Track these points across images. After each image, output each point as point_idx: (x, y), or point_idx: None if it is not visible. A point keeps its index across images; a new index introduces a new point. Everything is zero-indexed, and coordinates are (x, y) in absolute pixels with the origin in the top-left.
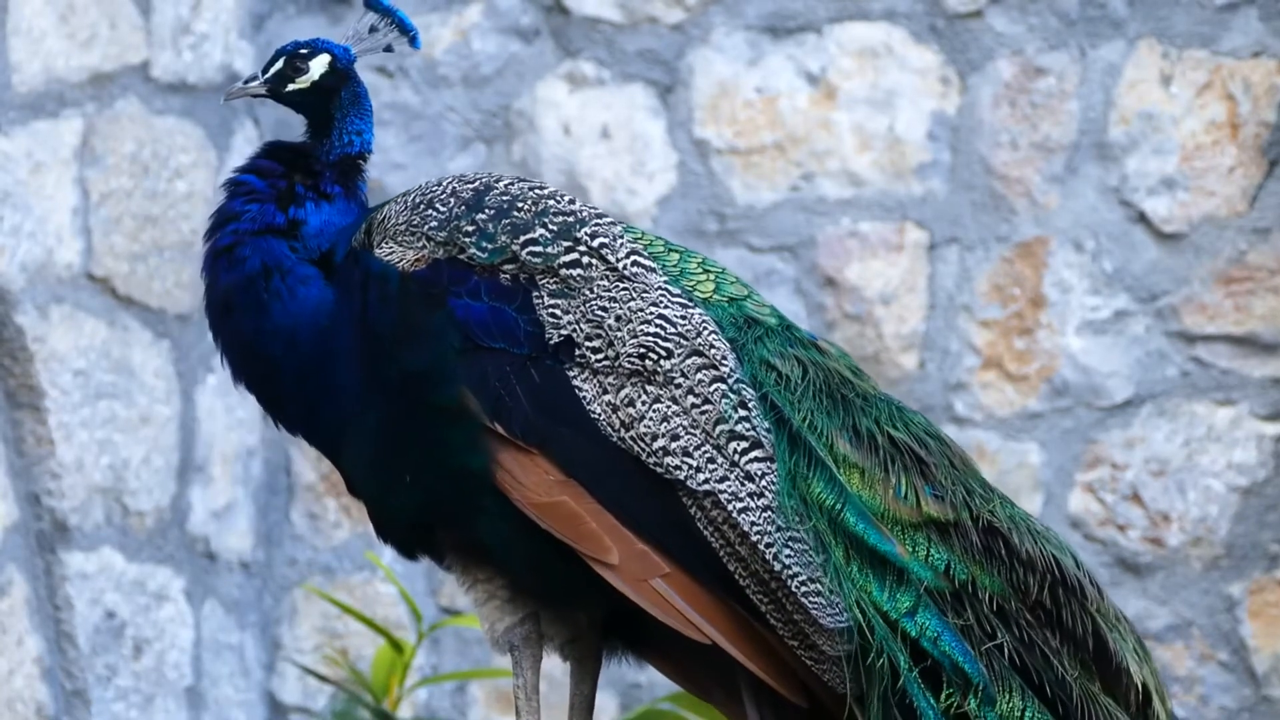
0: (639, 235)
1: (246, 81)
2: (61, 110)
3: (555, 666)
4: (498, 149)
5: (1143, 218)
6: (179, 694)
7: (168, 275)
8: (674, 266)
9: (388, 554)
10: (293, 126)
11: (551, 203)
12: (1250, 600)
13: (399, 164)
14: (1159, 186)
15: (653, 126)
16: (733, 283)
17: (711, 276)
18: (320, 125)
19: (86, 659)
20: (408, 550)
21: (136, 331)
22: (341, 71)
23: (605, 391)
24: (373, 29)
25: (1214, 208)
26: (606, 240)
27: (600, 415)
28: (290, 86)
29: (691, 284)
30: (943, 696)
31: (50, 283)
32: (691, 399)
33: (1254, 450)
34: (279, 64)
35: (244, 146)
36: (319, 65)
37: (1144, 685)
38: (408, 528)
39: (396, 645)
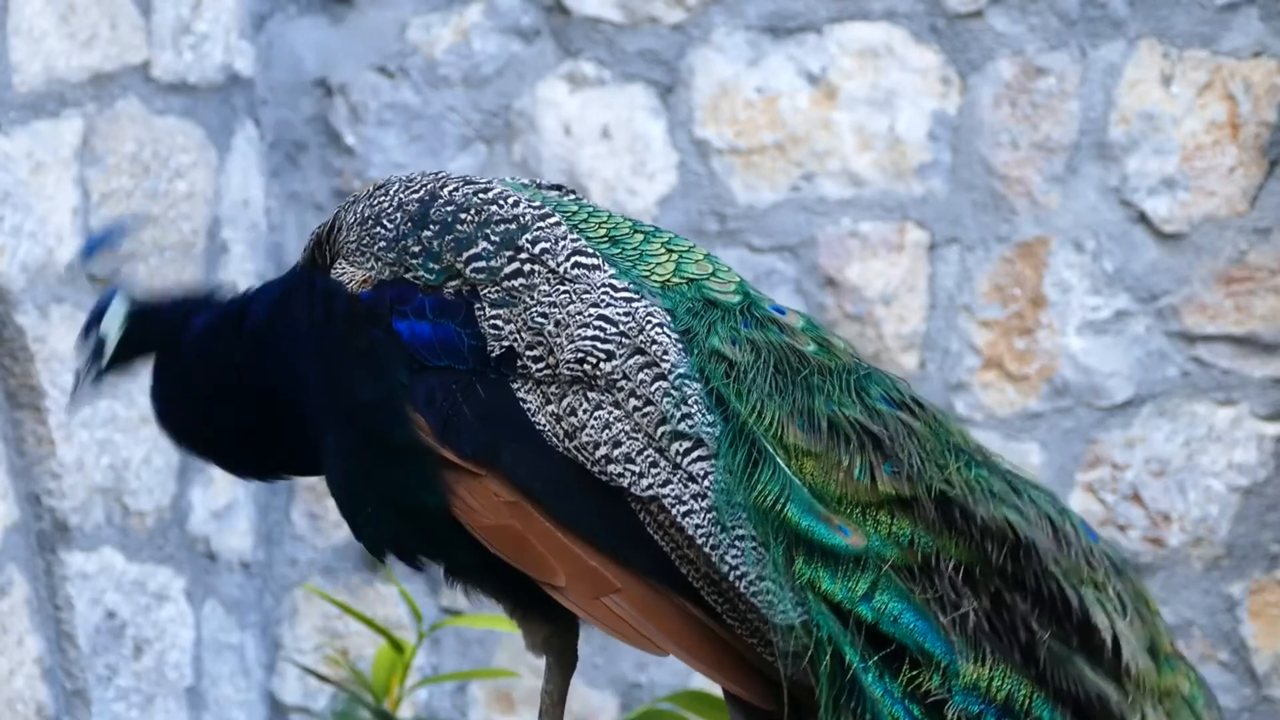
0: (604, 219)
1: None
2: (62, 110)
3: (538, 664)
4: (498, 149)
5: (1143, 218)
6: (179, 694)
7: (168, 275)
8: (634, 249)
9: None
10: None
11: (495, 209)
12: (1251, 600)
13: (399, 164)
14: (1159, 186)
15: (653, 126)
16: (696, 261)
17: (674, 256)
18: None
19: (87, 659)
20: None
21: None
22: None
23: (549, 401)
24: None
25: (1214, 208)
26: (548, 245)
27: (545, 426)
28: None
29: (650, 267)
30: (903, 679)
31: (51, 283)
32: (634, 401)
33: (1254, 450)
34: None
35: (244, 146)
36: (112, 318)
37: (1114, 639)
38: (391, 553)
39: (397, 645)
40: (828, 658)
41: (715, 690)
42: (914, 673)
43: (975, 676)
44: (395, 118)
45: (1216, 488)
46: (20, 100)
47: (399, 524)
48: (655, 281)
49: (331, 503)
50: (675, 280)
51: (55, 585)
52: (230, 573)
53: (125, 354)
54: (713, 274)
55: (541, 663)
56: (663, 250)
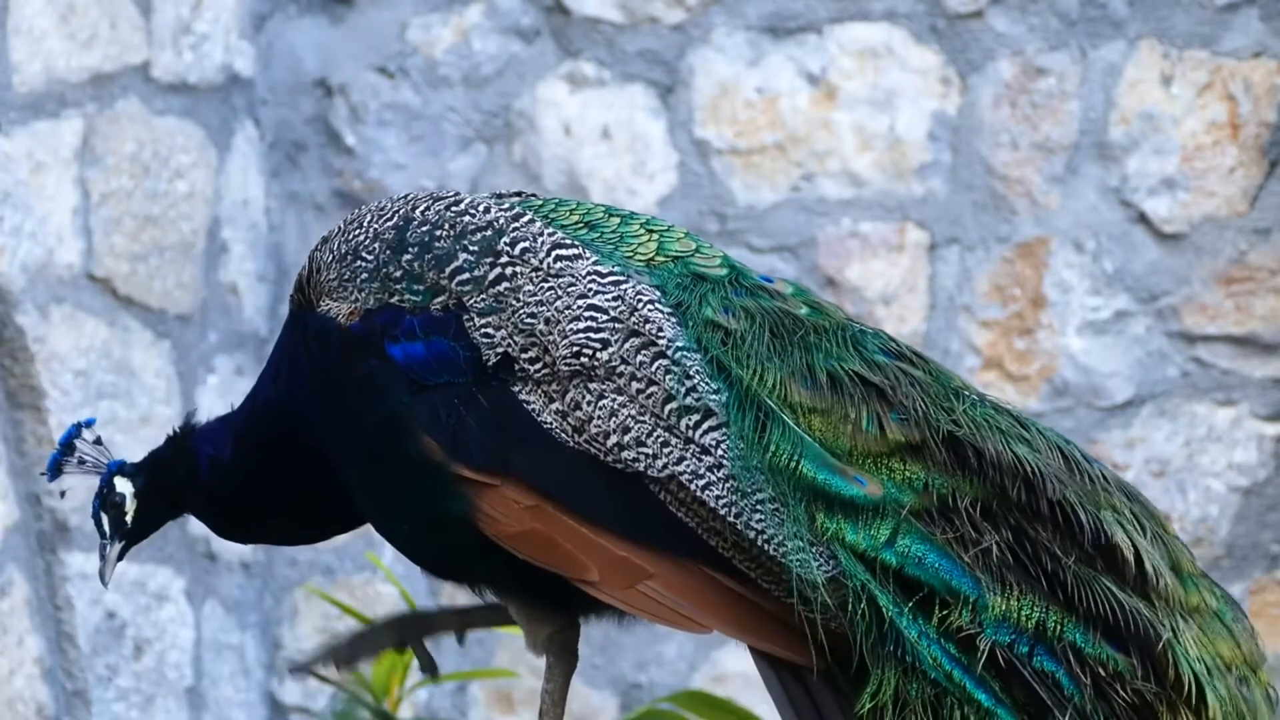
0: (574, 206)
1: (104, 557)
2: (62, 110)
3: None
4: (498, 149)
5: (1143, 218)
6: (179, 694)
7: (168, 275)
8: (613, 233)
9: (388, 554)
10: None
11: (468, 219)
12: (1251, 600)
13: (399, 164)
14: (1159, 187)
15: (653, 127)
16: (678, 239)
17: (655, 236)
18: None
19: (87, 659)
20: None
21: (137, 331)
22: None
23: (552, 400)
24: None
25: (1214, 208)
26: (527, 244)
27: (553, 425)
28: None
29: (631, 249)
30: (935, 619)
31: (51, 283)
32: (636, 384)
33: (1254, 450)
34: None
35: (244, 146)
36: (123, 485)
37: (1137, 556)
38: (439, 574)
39: None
40: (864, 605)
41: (715, 690)
42: (944, 612)
43: (1005, 608)
44: (395, 118)
45: (1216, 488)
46: (20, 100)
47: (431, 543)
48: (639, 261)
49: None
50: (660, 259)
51: (55, 585)
52: (230, 573)
53: (147, 514)
54: (696, 250)
55: (542, 662)
56: (642, 231)
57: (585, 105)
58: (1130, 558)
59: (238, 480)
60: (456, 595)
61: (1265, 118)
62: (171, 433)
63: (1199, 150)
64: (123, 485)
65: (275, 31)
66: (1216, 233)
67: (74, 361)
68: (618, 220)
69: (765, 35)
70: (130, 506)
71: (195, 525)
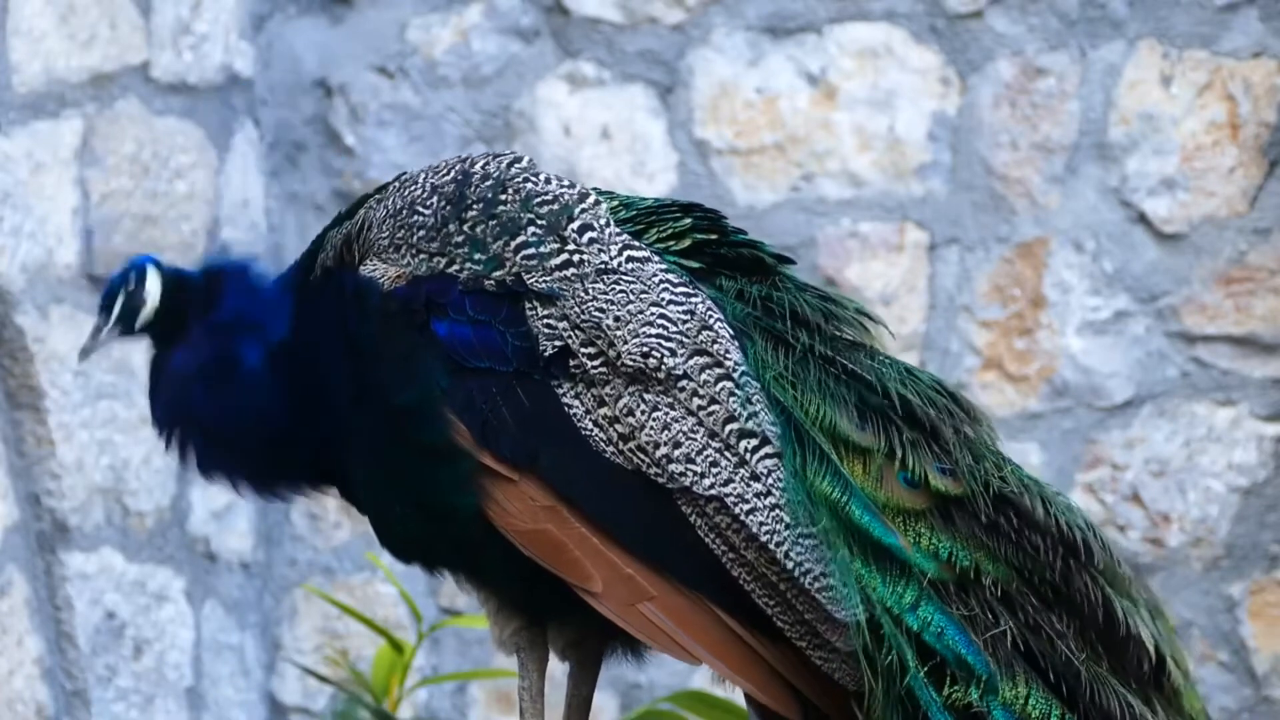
0: (612, 194)
1: (95, 334)
2: (61, 110)
3: (555, 667)
4: (498, 149)
5: (1143, 218)
6: (179, 694)
7: None
8: (648, 209)
9: (387, 555)
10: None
11: (531, 185)
12: (1250, 601)
13: (399, 164)
14: (1159, 187)
15: (653, 127)
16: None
17: (688, 218)
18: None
19: (87, 659)
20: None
21: None
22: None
23: (602, 404)
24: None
25: (1214, 208)
26: (595, 234)
27: (593, 431)
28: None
29: (668, 228)
30: (945, 691)
31: (50, 283)
32: (698, 400)
33: (1254, 451)
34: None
35: (244, 147)
36: (153, 285)
37: (1157, 650)
38: (411, 556)
39: (397, 646)
40: (893, 657)
41: (715, 690)
42: (954, 687)
43: (1012, 695)
44: (395, 118)
45: (1216, 488)
46: (20, 100)
47: (427, 527)
48: (682, 243)
49: (331, 503)
50: (699, 236)
51: (55, 585)
52: (230, 573)
53: (157, 321)
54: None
55: (518, 660)
56: (676, 209)
57: (585, 105)
58: (1151, 651)
59: (277, 365)
60: (456, 596)
61: (1265, 118)
62: (205, 265)
63: (1199, 150)
64: (153, 284)
65: (275, 32)
66: (1216, 233)
67: (74, 361)
68: (650, 199)
69: (765, 35)
70: (149, 309)
71: (195, 525)
